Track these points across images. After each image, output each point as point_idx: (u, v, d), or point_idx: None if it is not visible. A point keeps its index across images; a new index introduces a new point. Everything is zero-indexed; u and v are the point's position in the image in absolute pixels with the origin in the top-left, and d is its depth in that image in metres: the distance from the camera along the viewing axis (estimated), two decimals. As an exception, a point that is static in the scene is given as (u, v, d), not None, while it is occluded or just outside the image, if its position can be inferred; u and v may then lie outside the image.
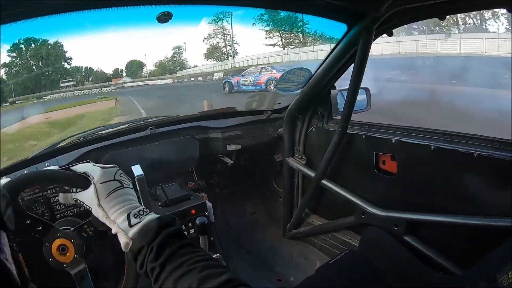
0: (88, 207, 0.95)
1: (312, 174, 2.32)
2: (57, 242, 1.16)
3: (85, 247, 1.21)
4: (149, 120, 2.38)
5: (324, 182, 2.25)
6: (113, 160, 1.97)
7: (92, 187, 0.93)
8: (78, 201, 0.98)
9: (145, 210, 0.90)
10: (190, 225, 1.89)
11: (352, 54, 1.92)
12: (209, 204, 1.97)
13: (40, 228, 1.13)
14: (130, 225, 0.85)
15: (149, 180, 1.79)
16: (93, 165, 0.99)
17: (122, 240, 0.85)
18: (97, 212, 0.91)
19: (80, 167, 0.99)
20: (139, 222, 0.86)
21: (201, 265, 0.74)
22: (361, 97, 2.19)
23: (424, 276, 1.57)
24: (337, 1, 1.56)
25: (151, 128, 2.20)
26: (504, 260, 0.96)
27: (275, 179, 2.82)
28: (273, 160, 2.70)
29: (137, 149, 2.11)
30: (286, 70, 2.23)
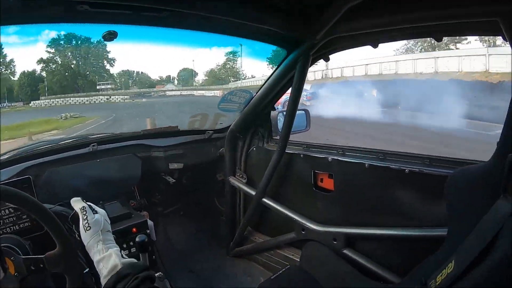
0: (84, 224, 1.11)
1: (253, 192, 2.37)
2: None
3: (25, 265, 1.20)
4: (91, 136, 2.30)
5: (265, 200, 2.31)
6: (54, 177, 1.91)
7: (101, 217, 1.15)
8: (84, 212, 1.15)
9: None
10: (131, 243, 1.84)
11: (290, 78, 2.02)
12: (150, 222, 1.94)
13: None
14: (122, 257, 1.02)
15: (90, 198, 1.77)
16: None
17: (112, 262, 0.99)
18: (93, 234, 1.08)
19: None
20: (127, 258, 1.03)
21: None
22: (301, 118, 2.31)
23: (363, 286, 1.66)
24: (277, 28, 1.65)
25: (93, 145, 2.13)
26: (435, 266, 1.06)
27: (217, 198, 2.83)
28: (215, 179, 2.72)
29: (79, 166, 2.04)
30: (229, 92, 2.29)
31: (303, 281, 1.80)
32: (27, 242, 1.47)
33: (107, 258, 1.00)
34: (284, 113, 2.16)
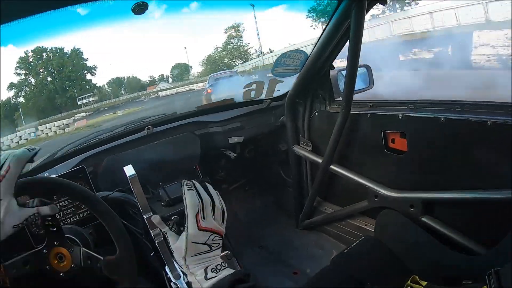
0: (170, 248, 0.98)
1: (320, 160, 2.21)
2: (54, 250, 1.15)
3: (82, 258, 1.19)
4: (146, 120, 2.30)
5: (333, 167, 2.14)
6: (112, 165, 1.93)
7: (183, 240, 0.94)
8: (167, 235, 0.99)
9: (223, 265, 0.94)
10: None
11: (346, 30, 1.81)
12: None
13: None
14: (206, 278, 0.90)
15: (151, 181, 1.79)
16: (192, 219, 0.96)
17: None
18: (178, 257, 0.95)
19: (189, 199, 0.97)
20: (215, 276, 0.90)
21: None
22: (362, 75, 2.09)
23: (445, 258, 1.47)
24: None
25: (148, 128, 2.12)
26: None
27: (283, 169, 2.73)
28: (278, 150, 2.60)
29: (136, 151, 2.05)
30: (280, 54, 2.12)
31: (379, 253, 1.63)
32: (88, 231, 1.49)
33: (193, 285, 0.92)
34: (344, 71, 1.95)
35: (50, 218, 1.13)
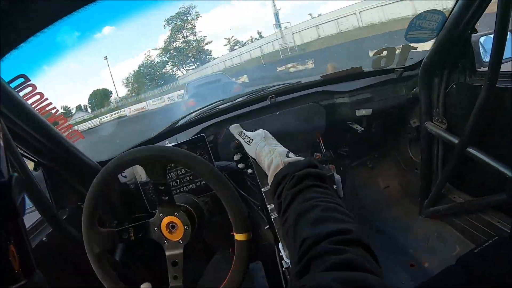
0: (247, 140, 1.16)
1: (455, 140, 1.90)
2: (167, 219, 1.21)
3: (192, 232, 1.24)
4: (268, 89, 2.25)
5: (470, 150, 1.81)
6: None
7: (261, 130, 1.19)
8: (243, 134, 1.21)
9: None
10: None
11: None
12: (337, 176, 1.79)
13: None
14: (287, 156, 1.00)
15: None
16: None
17: (275, 162, 0.98)
18: (256, 144, 1.11)
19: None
20: (293, 157, 1.00)
21: (326, 206, 0.74)
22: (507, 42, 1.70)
23: None
24: None
25: (271, 97, 2.10)
26: None
27: (411, 147, 2.45)
28: (409, 126, 2.33)
29: (258, 120, 2.06)
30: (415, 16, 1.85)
31: None
32: (205, 200, 1.56)
33: (273, 160, 0.99)
34: (491, 36, 1.59)
35: (162, 188, 1.18)
